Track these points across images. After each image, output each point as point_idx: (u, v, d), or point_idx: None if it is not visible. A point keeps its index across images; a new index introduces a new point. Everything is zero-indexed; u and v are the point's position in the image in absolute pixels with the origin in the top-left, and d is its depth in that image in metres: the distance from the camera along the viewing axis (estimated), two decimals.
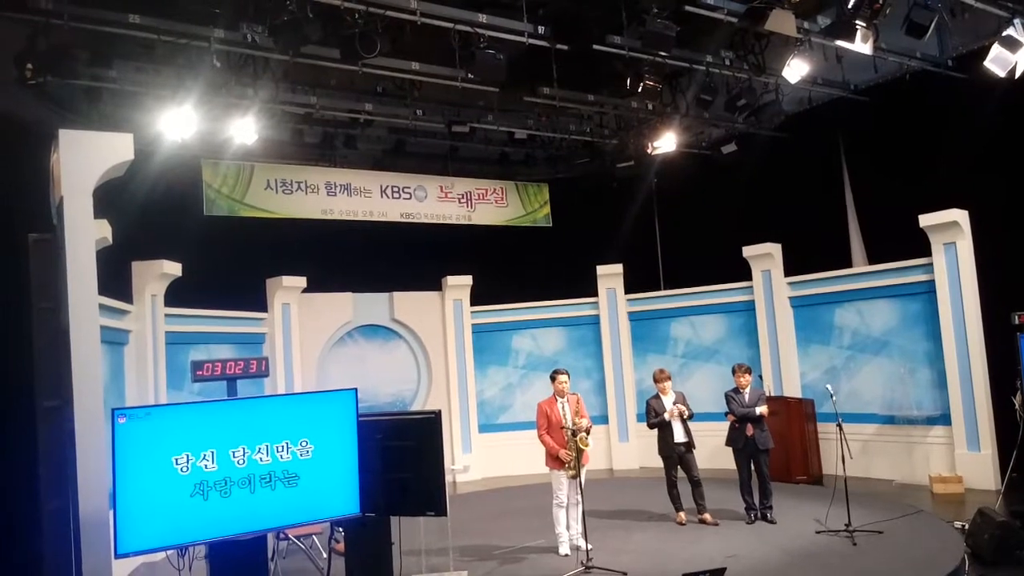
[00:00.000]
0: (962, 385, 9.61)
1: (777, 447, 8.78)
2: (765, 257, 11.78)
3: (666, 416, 8.35)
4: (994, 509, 7.24)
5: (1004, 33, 8.38)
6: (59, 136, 5.08)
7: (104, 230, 7.53)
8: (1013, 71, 8.51)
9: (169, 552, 5.13)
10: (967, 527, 7.24)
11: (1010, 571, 6.51)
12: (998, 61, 8.44)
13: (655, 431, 8.58)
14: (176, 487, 4.69)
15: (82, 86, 8.61)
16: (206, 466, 4.80)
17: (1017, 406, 8.48)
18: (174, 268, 9.61)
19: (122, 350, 8.99)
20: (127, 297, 9.15)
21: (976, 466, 9.43)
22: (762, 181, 11.71)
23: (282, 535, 7.15)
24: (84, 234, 4.99)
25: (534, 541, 8.02)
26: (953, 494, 9.24)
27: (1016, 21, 8.34)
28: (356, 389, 5.53)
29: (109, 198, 6.03)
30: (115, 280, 8.64)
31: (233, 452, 4.92)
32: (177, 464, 4.70)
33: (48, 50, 7.46)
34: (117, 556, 4.58)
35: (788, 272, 11.71)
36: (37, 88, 8.02)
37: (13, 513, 6.54)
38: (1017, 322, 8.51)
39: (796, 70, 9.00)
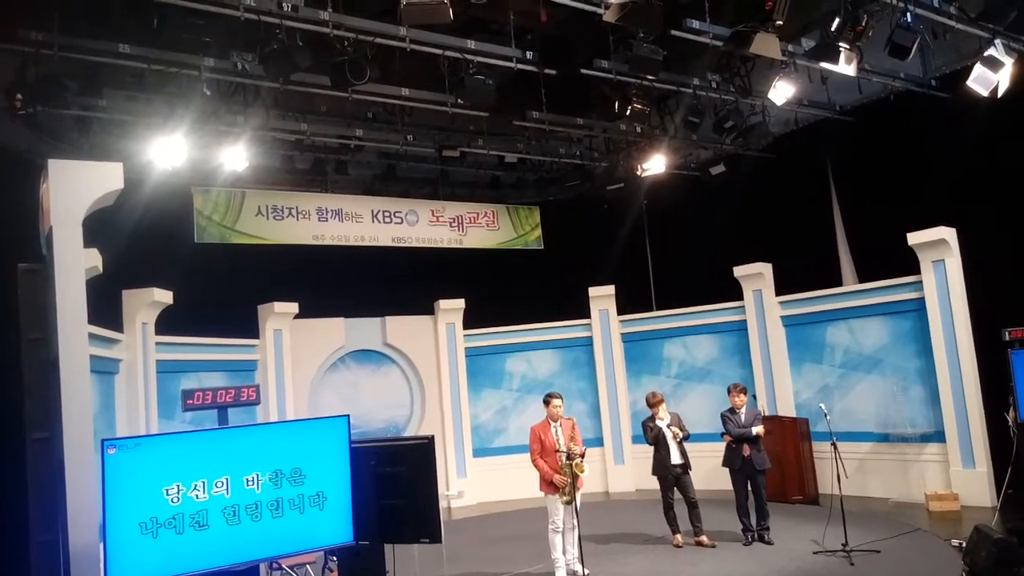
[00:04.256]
0: (955, 402, 9.63)
1: (772, 467, 8.75)
2: (756, 277, 11.82)
3: (658, 421, 8.33)
4: (991, 526, 7.22)
5: (986, 53, 8.49)
6: (48, 166, 5.08)
7: (94, 259, 7.51)
8: (995, 90, 8.62)
9: None
10: (964, 545, 7.20)
11: None
12: (980, 80, 8.55)
13: (651, 453, 8.54)
14: (167, 518, 4.63)
15: (72, 115, 8.64)
16: (197, 496, 4.74)
17: (1010, 422, 8.48)
18: (165, 296, 9.59)
19: (112, 379, 8.93)
20: (118, 326, 9.11)
21: (971, 483, 9.42)
22: (751, 201, 11.79)
23: (275, 565, 7.05)
24: (74, 263, 4.97)
25: (531, 567, 7.95)
26: (949, 512, 9.22)
27: (997, 41, 8.46)
28: (348, 416, 5.50)
29: (99, 227, 6.01)
30: (106, 309, 8.61)
31: (224, 482, 4.86)
32: (168, 495, 4.64)
33: (38, 80, 7.49)
34: None
35: (779, 291, 11.76)
36: (27, 118, 8.05)
37: (2, 546, 6.45)
38: (1008, 338, 8.56)
39: (782, 92, 9.10)
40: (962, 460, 9.56)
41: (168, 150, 8.97)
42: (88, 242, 5.18)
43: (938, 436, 9.89)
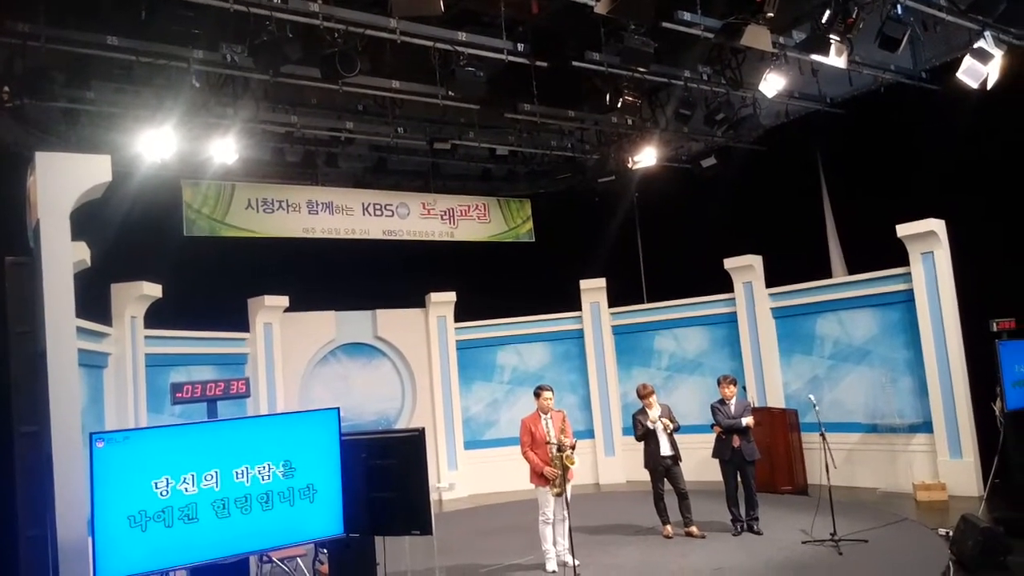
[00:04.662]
0: (943, 392, 9.69)
1: (762, 458, 8.80)
2: (746, 269, 11.86)
3: (649, 424, 8.35)
4: (977, 515, 7.28)
5: (975, 45, 8.53)
6: (36, 158, 5.06)
7: (82, 252, 7.47)
8: (985, 82, 8.66)
9: None
10: (951, 534, 7.27)
11: None
12: (970, 73, 8.59)
13: (642, 444, 8.58)
14: (156, 511, 4.63)
15: (60, 108, 8.58)
16: (186, 489, 4.74)
17: (997, 412, 8.56)
18: (154, 290, 9.55)
19: (101, 373, 8.89)
20: (106, 319, 9.07)
21: (959, 473, 9.50)
22: (742, 194, 11.81)
23: (265, 558, 7.06)
24: (61, 257, 4.96)
25: (521, 558, 7.98)
26: (937, 501, 9.30)
27: (987, 33, 8.50)
28: (338, 408, 5.50)
29: (87, 220, 5.98)
30: (94, 302, 8.57)
31: (214, 475, 4.86)
32: (157, 488, 4.64)
33: (25, 72, 7.43)
34: None
35: (769, 283, 11.79)
36: (14, 110, 7.99)
37: None
38: (995, 329, 8.62)
39: (772, 84, 9.11)
40: (949, 450, 9.63)
41: (157, 143, 8.92)
42: (76, 235, 5.17)
43: (926, 426, 9.96)
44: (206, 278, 10.56)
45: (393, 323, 12.94)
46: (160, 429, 5.29)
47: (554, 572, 7.42)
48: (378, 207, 12.23)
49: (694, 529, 8.36)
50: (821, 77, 9.88)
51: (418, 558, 7.32)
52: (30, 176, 5.21)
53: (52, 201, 4.98)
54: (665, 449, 8.38)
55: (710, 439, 8.75)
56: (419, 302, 13.17)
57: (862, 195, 10.86)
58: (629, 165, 11.98)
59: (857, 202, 11.01)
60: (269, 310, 11.67)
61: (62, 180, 5.07)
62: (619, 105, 9.50)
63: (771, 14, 7.72)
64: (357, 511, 5.55)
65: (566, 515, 7.28)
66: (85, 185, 5.15)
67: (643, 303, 13.31)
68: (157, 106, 8.56)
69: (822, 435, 7.82)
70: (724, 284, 12.15)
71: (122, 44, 7.60)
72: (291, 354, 11.93)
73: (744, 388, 10.96)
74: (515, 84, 9.62)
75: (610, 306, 13.21)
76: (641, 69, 8.86)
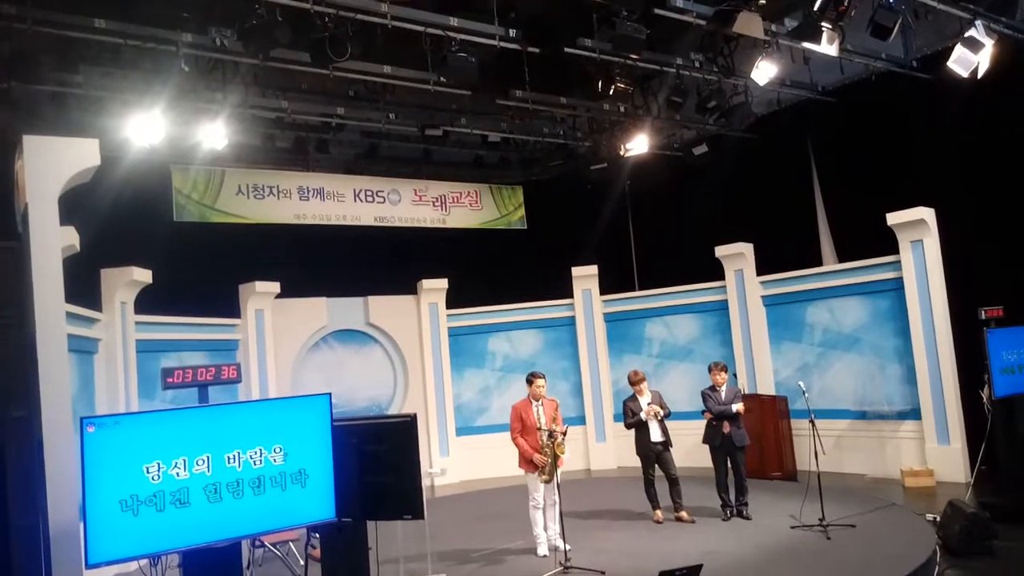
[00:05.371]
0: (931, 380, 9.78)
1: (752, 444, 8.85)
2: (737, 257, 11.90)
3: (642, 416, 8.40)
4: (964, 501, 7.37)
5: (966, 34, 8.54)
6: (23, 142, 5.02)
7: (71, 237, 7.42)
8: (976, 71, 8.67)
9: (142, 562, 5.05)
10: (938, 519, 7.36)
11: (980, 561, 6.63)
12: (961, 62, 8.60)
13: (632, 431, 8.62)
14: (147, 495, 4.63)
15: (47, 91, 8.48)
16: (178, 474, 4.73)
17: (985, 400, 8.62)
18: (144, 275, 9.50)
19: (92, 359, 8.86)
20: (96, 305, 9.02)
21: (946, 459, 9.60)
22: (733, 182, 11.84)
23: (257, 542, 7.07)
24: (50, 241, 4.94)
25: (513, 543, 8.02)
26: (924, 487, 9.39)
27: (978, 22, 8.51)
28: (330, 394, 5.49)
29: (76, 204, 5.95)
30: (83, 288, 8.53)
31: (205, 459, 4.86)
32: (148, 472, 4.63)
33: (12, 55, 7.35)
34: (88, 566, 4.49)
35: (760, 271, 11.83)
36: (1, 94, 7.89)
37: None
38: (983, 317, 8.68)
39: (764, 72, 9.09)
40: (937, 437, 9.72)
41: (145, 127, 8.84)
42: (64, 220, 5.14)
43: (914, 413, 10.05)
44: (196, 264, 10.52)
45: (385, 310, 12.92)
46: (151, 414, 5.27)
47: (545, 556, 7.46)
48: (369, 193, 12.20)
49: (684, 514, 8.42)
50: (813, 65, 9.87)
51: (410, 543, 7.35)
52: (18, 160, 5.17)
53: (40, 185, 4.96)
54: (656, 435, 8.44)
55: (701, 425, 8.80)
56: (411, 289, 13.16)
57: (853, 183, 10.90)
58: (621, 152, 11.97)
59: (848, 190, 11.06)
60: (260, 296, 11.64)
61: (50, 164, 5.04)
62: (611, 92, 9.50)
63: (763, 1, 7.71)
64: (349, 496, 5.56)
65: (557, 500, 7.33)
66: (73, 169, 5.12)
67: (635, 290, 13.35)
68: (145, 90, 8.47)
69: (811, 422, 7.87)
70: (715, 272, 12.19)
71: (110, 27, 7.50)
72: (282, 340, 11.91)
73: (735, 375, 11.02)
74: (507, 70, 9.57)
75: (602, 293, 13.24)
76: (633, 56, 8.84)
